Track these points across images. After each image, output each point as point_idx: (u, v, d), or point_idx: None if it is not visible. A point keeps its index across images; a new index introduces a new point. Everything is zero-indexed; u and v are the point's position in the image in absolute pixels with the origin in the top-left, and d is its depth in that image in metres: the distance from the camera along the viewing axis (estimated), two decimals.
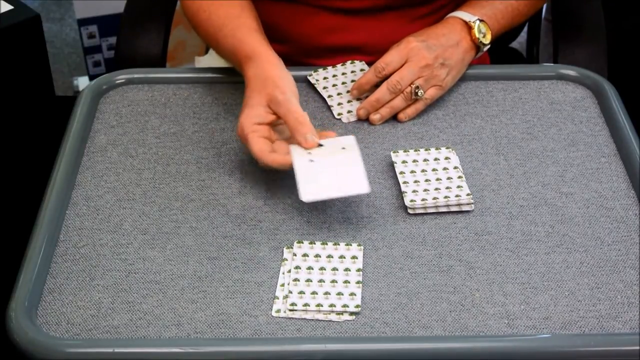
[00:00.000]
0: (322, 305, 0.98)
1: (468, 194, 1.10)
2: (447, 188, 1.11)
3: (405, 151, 1.17)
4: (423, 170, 1.14)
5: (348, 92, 1.27)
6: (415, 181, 1.12)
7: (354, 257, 1.03)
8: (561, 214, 1.09)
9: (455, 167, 1.14)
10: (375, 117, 1.23)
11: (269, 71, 1.15)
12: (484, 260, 1.03)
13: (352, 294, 0.99)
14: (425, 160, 1.16)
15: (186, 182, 1.14)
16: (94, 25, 2.48)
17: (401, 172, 1.14)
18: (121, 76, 1.31)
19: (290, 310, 0.98)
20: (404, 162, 1.15)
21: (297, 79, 1.27)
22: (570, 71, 1.31)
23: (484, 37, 1.28)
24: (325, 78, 1.30)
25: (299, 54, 1.38)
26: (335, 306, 0.98)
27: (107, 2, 2.41)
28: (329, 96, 1.28)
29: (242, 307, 0.98)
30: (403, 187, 1.12)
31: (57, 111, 1.68)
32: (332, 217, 1.09)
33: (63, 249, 1.05)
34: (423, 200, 1.10)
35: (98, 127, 1.23)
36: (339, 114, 1.25)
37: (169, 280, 1.01)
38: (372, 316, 0.97)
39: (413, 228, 1.08)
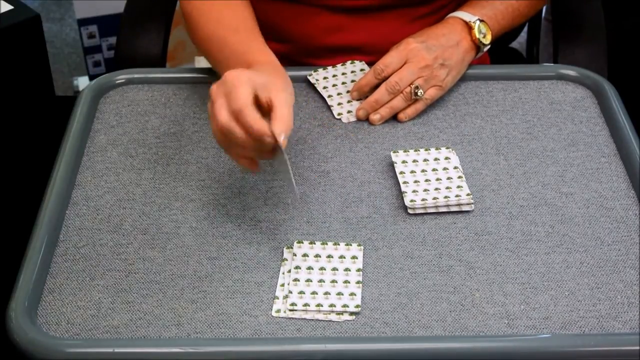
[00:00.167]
0: (322, 305, 0.98)
1: (468, 194, 1.10)
2: (447, 188, 1.11)
3: (405, 151, 1.17)
4: (423, 170, 1.14)
5: (348, 92, 1.27)
6: (415, 181, 1.12)
7: (354, 257, 1.03)
8: (561, 214, 1.09)
9: (455, 167, 1.14)
10: (375, 117, 1.23)
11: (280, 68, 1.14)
12: (484, 260, 1.03)
13: (352, 294, 0.99)
14: (425, 160, 1.16)
15: (186, 182, 1.14)
16: (94, 25, 2.48)
17: (401, 172, 1.14)
18: (121, 76, 1.31)
19: (290, 310, 0.98)
20: (404, 162, 1.15)
21: (297, 79, 1.27)
22: (570, 71, 1.31)
23: (484, 37, 1.28)
24: (325, 78, 1.30)
25: (299, 54, 1.38)
26: (335, 306, 0.98)
27: (107, 2, 2.41)
28: (329, 96, 1.28)
29: (242, 307, 0.98)
30: (403, 187, 1.12)
31: (57, 111, 1.67)
32: (332, 217, 1.09)
33: (63, 249, 1.05)
34: (423, 200, 1.10)
35: (98, 127, 1.23)
36: (339, 114, 1.25)
37: (169, 280, 1.01)
38: (372, 316, 0.97)
39: (413, 228, 1.08)
